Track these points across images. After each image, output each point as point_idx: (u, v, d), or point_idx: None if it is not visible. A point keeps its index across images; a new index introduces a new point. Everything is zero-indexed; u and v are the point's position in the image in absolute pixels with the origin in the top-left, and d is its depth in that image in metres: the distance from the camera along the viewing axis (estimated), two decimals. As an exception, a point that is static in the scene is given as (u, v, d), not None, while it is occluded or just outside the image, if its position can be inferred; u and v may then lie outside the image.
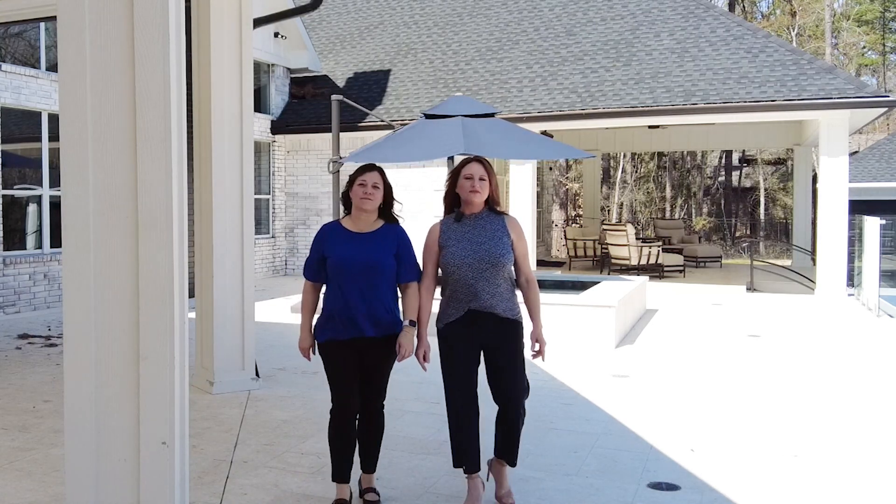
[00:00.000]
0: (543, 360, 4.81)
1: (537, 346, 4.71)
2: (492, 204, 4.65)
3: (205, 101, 7.60)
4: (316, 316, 4.71)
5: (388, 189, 4.62)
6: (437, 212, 16.21)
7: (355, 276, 4.48)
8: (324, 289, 4.69)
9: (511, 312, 4.59)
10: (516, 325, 4.62)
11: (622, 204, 42.61)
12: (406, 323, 4.57)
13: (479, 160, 4.60)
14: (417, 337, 4.62)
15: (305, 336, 4.70)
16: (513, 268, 4.68)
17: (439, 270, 4.71)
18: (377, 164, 4.62)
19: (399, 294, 4.68)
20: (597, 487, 5.03)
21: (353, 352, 4.56)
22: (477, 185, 4.52)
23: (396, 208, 4.71)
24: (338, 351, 4.56)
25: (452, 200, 4.69)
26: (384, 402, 4.75)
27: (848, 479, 5.22)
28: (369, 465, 4.79)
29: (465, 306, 4.55)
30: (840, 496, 4.92)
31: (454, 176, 4.64)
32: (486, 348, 4.62)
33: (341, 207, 4.76)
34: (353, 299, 4.47)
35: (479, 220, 4.61)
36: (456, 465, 4.61)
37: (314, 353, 4.69)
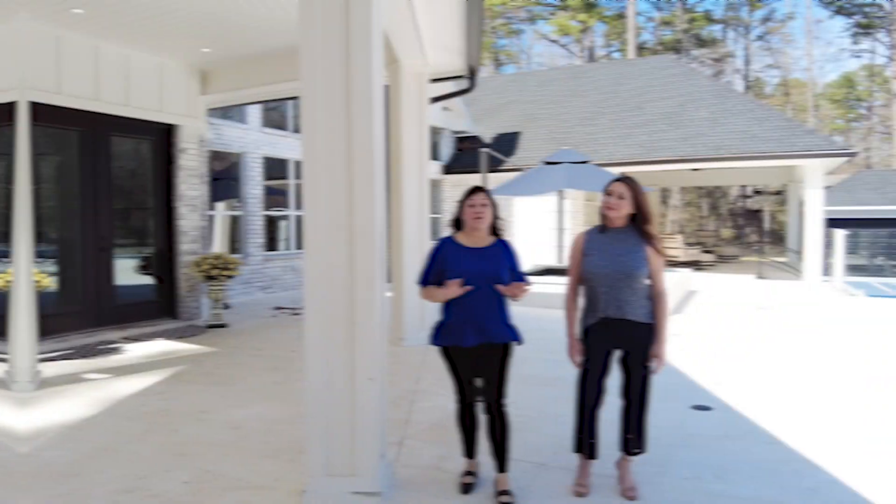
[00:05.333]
0: (655, 373, 3.68)
1: (654, 364, 3.63)
2: (639, 221, 3.60)
3: (397, 151, 7.72)
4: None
5: (494, 207, 3.61)
6: (550, 225, 16.26)
7: (480, 286, 3.47)
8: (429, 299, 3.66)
9: (645, 317, 3.56)
10: (650, 329, 3.58)
11: (674, 220, 42.32)
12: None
13: (625, 182, 3.61)
14: (568, 337, 3.72)
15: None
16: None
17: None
18: (482, 187, 3.63)
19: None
20: (657, 409, 4.75)
21: (475, 356, 3.57)
22: (613, 202, 3.58)
23: (500, 225, 3.65)
24: (459, 356, 3.58)
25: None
26: (505, 402, 3.62)
27: (824, 402, 4.81)
28: (500, 465, 3.66)
29: (600, 313, 3.58)
30: (830, 414, 4.53)
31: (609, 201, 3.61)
32: (622, 350, 3.65)
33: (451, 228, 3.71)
34: (479, 308, 3.48)
35: (620, 234, 3.61)
36: (575, 451, 3.76)
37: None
